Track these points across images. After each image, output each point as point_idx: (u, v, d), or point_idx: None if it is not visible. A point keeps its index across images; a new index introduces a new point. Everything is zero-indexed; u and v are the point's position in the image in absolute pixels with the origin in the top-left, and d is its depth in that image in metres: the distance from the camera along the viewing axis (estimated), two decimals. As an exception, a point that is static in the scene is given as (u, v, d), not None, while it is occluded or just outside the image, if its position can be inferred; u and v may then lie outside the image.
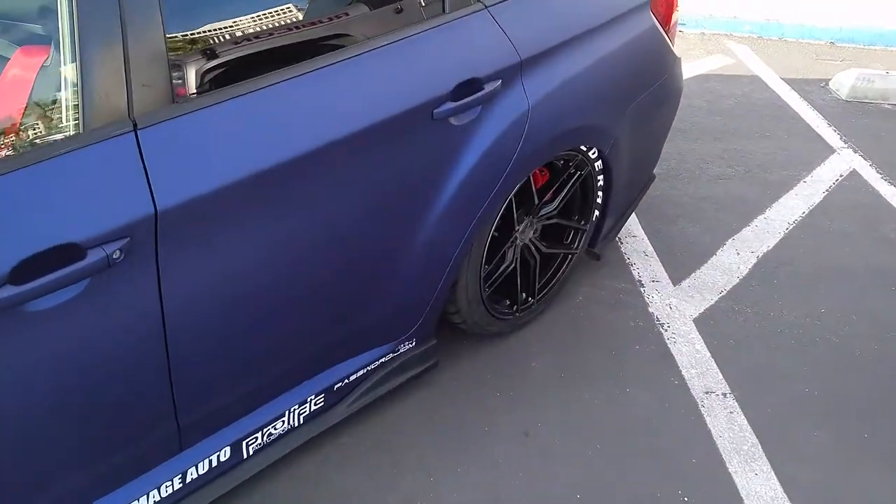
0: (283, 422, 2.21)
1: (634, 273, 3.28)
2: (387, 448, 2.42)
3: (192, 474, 2.03)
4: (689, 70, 5.49)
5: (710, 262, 3.38)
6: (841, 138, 4.57)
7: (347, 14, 2.13)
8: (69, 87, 1.53)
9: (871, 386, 2.74)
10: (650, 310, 3.07)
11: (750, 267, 3.35)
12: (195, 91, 1.76)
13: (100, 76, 1.52)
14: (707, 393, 2.67)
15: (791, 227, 3.65)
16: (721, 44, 6.24)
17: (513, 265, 2.72)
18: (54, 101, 1.57)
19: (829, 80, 5.46)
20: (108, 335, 1.62)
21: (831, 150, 4.42)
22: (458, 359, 2.77)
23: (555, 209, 2.75)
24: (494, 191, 2.29)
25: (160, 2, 1.59)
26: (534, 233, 2.76)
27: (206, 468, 2.06)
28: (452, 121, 2.10)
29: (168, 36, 1.63)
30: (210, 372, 1.91)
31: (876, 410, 2.63)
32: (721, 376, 2.75)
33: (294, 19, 2.02)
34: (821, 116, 4.87)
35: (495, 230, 2.51)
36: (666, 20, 2.88)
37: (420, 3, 2.15)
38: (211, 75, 1.82)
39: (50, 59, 1.60)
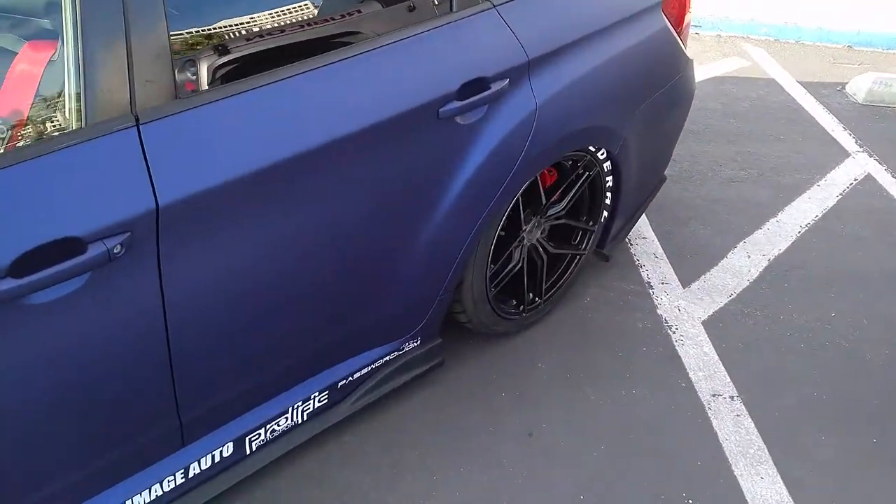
0: (287, 418, 2.21)
1: (643, 275, 3.27)
2: (389, 447, 2.42)
3: (194, 469, 2.04)
4: (704, 72, 5.47)
5: (720, 264, 3.36)
6: (856, 142, 4.53)
7: (360, 11, 2.13)
8: (73, 82, 1.54)
9: (881, 390, 2.71)
10: (658, 312, 3.05)
11: (761, 270, 3.32)
12: (206, 88, 1.77)
13: (103, 71, 1.53)
14: (714, 396, 2.66)
15: (804, 230, 3.62)
16: (737, 46, 6.21)
17: (520, 265, 2.72)
18: (60, 96, 1.58)
19: (846, 83, 5.42)
20: (110, 329, 1.63)
21: (846, 154, 4.39)
22: (464, 358, 2.76)
23: (563, 209, 2.75)
24: (500, 190, 2.29)
25: (163, -2, 1.60)
26: (541, 233, 2.75)
27: (209, 463, 2.07)
28: (458, 120, 2.10)
29: (172, 32, 1.64)
30: (212, 367, 1.91)
31: (885, 415, 2.61)
32: (729, 379, 2.73)
33: (305, 16, 2.02)
34: (836, 120, 4.84)
35: (502, 230, 2.51)
36: (678, 21, 2.87)
37: (433, 1, 2.14)
38: (221, 72, 1.83)
39: (57, 53, 1.61)
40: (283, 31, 1.96)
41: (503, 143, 2.22)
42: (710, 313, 3.06)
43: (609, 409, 2.60)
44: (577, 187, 2.72)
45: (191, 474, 2.03)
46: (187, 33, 1.79)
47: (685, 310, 3.07)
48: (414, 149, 2.05)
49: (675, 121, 3.09)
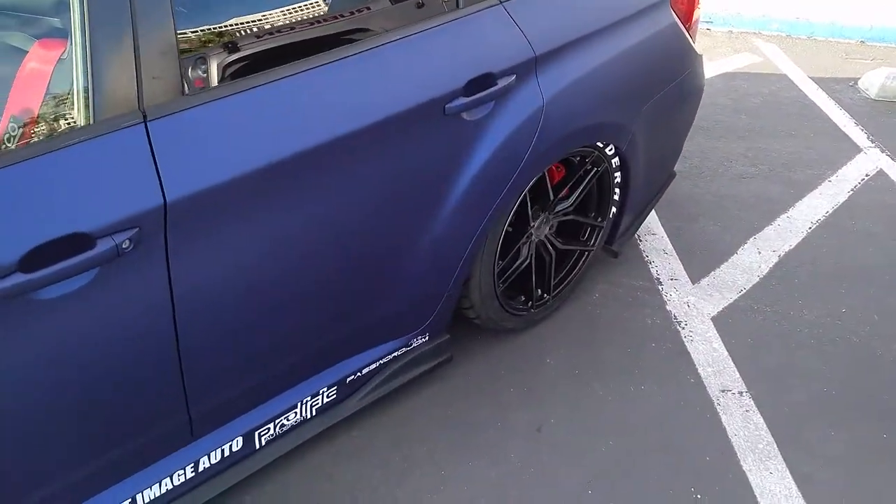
0: (296, 413, 2.23)
1: (653, 271, 3.27)
2: (398, 442, 2.44)
3: (204, 463, 2.06)
4: (715, 68, 5.46)
5: (730, 260, 3.35)
6: (868, 138, 4.51)
7: (369, 8, 2.14)
8: (82, 79, 1.55)
9: (891, 386, 2.70)
10: (668, 308, 3.05)
11: (771, 266, 3.32)
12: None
13: (110, 68, 1.54)
14: (723, 391, 2.66)
15: (814, 226, 3.61)
16: (749, 42, 6.19)
17: (528, 261, 2.72)
18: (69, 93, 1.60)
19: (859, 79, 5.39)
20: (119, 324, 1.64)
21: (858, 150, 4.37)
22: (472, 354, 2.77)
23: (571, 205, 2.75)
24: (507, 186, 2.29)
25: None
26: (549, 229, 2.76)
27: (219, 458, 2.09)
28: (465, 116, 2.10)
29: (180, 30, 1.66)
30: (221, 362, 1.93)
31: (895, 411, 2.60)
32: (738, 375, 2.73)
33: (315, 14, 2.03)
34: (848, 116, 4.81)
35: (510, 226, 2.52)
36: (687, 17, 2.87)
37: (442, -3, 2.15)
38: (231, 70, 1.84)
39: (66, 52, 1.63)
40: (292, 29, 1.97)
41: (510, 140, 2.22)
42: (720, 309, 3.06)
43: (617, 404, 2.61)
44: (584, 183, 2.72)
45: (200, 468, 2.05)
46: (197, 31, 1.80)
47: (694, 306, 3.07)
48: (421, 145, 2.05)
49: (684, 116, 3.09)
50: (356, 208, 1.99)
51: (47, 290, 1.49)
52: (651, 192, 3.14)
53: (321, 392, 2.26)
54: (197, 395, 1.91)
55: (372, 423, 2.48)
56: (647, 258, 3.35)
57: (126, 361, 1.71)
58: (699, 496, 2.29)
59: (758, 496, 2.29)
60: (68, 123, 1.58)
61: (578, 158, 2.66)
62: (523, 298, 2.81)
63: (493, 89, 2.13)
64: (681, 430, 2.51)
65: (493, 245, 2.46)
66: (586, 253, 2.94)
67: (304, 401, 2.23)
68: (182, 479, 2.02)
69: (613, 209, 2.88)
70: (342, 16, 2.08)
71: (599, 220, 2.88)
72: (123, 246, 1.53)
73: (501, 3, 2.22)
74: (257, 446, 2.18)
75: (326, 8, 2.07)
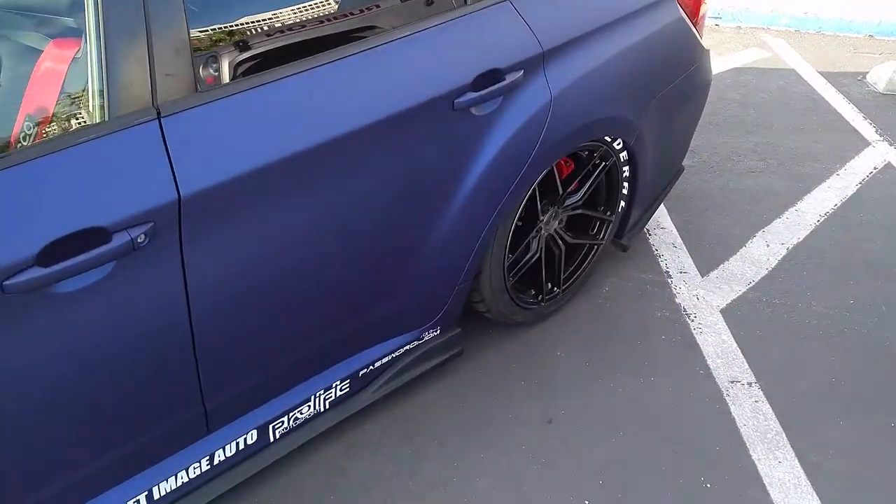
0: (310, 406, 2.25)
1: (662, 264, 3.28)
2: (411, 434, 2.46)
3: (219, 456, 2.08)
4: (723, 63, 5.46)
5: (739, 253, 3.37)
6: (877, 131, 4.51)
7: (378, 6, 2.16)
8: (96, 77, 1.58)
9: (899, 377, 2.72)
10: (677, 300, 3.07)
11: (779, 259, 3.33)
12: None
13: (124, 66, 1.57)
14: (732, 382, 2.67)
15: (823, 219, 3.62)
16: (757, 37, 6.19)
17: (538, 255, 2.74)
18: (84, 91, 1.63)
19: (867, 73, 5.38)
20: (135, 317, 1.67)
21: (866, 143, 4.37)
22: (483, 347, 2.79)
23: (580, 199, 2.77)
24: (516, 181, 2.31)
25: (184, -7, 1.65)
26: (559, 223, 2.78)
27: (234, 451, 2.11)
28: (473, 111, 2.13)
29: (193, 29, 1.69)
30: (235, 355, 1.95)
31: (904, 401, 2.62)
32: (747, 366, 2.74)
33: (325, 12, 2.06)
34: (856, 110, 4.81)
35: (520, 220, 2.54)
36: (694, 12, 2.88)
37: (450, -7, 2.17)
38: (242, 68, 1.87)
39: (81, 50, 1.66)
40: (302, 27, 2.00)
41: (518, 134, 2.24)
42: (729, 301, 3.07)
43: (628, 396, 2.62)
44: (593, 177, 2.74)
45: (216, 461, 2.08)
46: (209, 30, 1.83)
47: (704, 298, 3.08)
48: (430, 140, 2.08)
49: (692, 111, 3.10)
50: (367, 203, 2.01)
51: (64, 284, 1.52)
52: (660, 186, 3.16)
53: (334, 385, 2.28)
54: (212, 388, 1.94)
55: (384, 416, 2.51)
56: (656, 251, 3.37)
57: (142, 354, 1.74)
58: (709, 485, 2.31)
59: (767, 485, 2.31)
60: (83, 121, 1.61)
61: (587, 153, 2.68)
62: (533, 292, 2.83)
63: (501, 84, 2.15)
64: (691, 420, 2.53)
65: (503, 239, 2.48)
66: (596, 247, 2.96)
67: (318, 394, 2.25)
68: (198, 471, 2.04)
69: (622, 203, 2.90)
70: (351, 14, 2.10)
71: (608, 213, 2.90)
72: (139, 240, 1.56)
73: (509, -2, 2.24)
74: (271, 439, 2.21)
75: (336, 6, 2.09)
